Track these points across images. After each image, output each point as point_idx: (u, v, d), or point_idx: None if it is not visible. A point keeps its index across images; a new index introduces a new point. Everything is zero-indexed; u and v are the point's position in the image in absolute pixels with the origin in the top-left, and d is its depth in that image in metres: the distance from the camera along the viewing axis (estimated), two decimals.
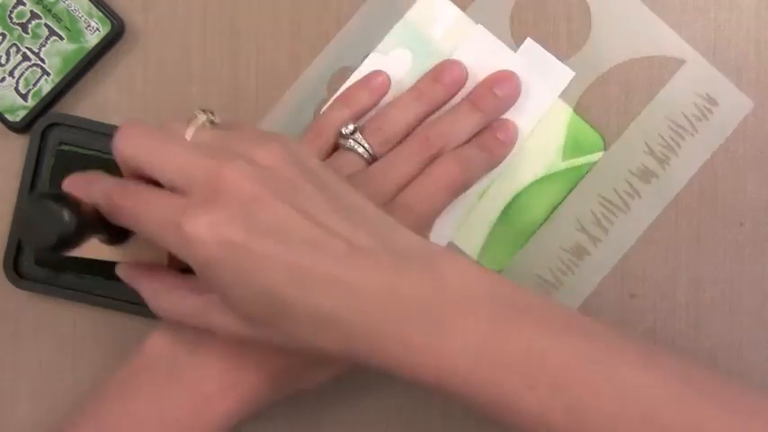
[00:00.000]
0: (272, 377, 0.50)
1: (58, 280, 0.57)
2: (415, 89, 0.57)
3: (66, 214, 0.42)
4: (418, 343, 0.42)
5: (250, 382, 0.50)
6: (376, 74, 0.58)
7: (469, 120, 0.56)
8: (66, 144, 0.57)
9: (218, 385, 0.49)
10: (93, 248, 0.47)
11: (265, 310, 0.43)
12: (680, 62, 0.58)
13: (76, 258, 0.55)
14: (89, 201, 0.45)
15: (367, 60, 0.58)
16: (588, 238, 0.58)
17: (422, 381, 0.42)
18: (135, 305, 0.57)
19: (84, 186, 0.46)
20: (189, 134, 0.45)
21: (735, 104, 0.57)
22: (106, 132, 0.57)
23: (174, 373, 0.50)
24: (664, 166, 0.58)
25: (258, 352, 0.50)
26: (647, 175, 0.58)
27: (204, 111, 0.46)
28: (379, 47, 0.58)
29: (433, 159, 0.55)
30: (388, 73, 0.58)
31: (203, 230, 0.41)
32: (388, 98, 0.58)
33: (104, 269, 0.56)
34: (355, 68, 0.58)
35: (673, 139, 0.58)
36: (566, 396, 0.41)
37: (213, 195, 0.42)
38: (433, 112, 0.57)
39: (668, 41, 0.58)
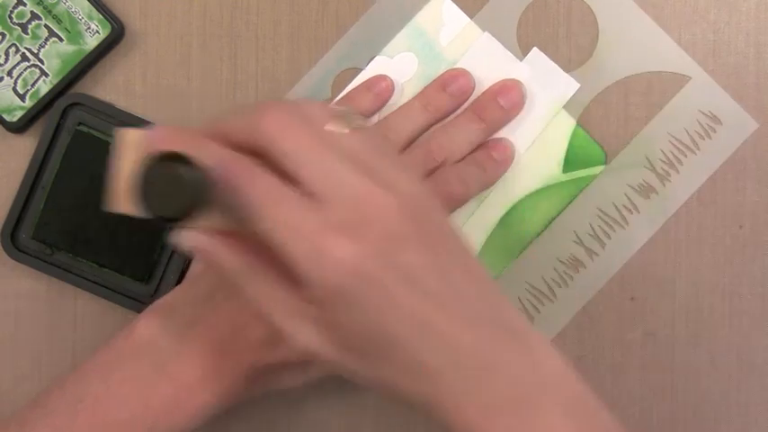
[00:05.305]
0: (250, 374, 0.51)
1: (53, 258, 0.58)
2: (422, 97, 0.57)
3: (199, 177, 0.39)
4: (502, 425, 0.41)
5: (229, 378, 0.51)
6: (380, 78, 0.58)
7: (472, 132, 0.57)
8: (85, 125, 0.57)
9: (199, 377, 0.50)
10: None
11: (370, 348, 0.42)
12: (685, 79, 0.58)
13: (74, 238, 0.56)
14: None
15: (373, 63, 0.58)
16: (585, 251, 0.58)
17: None
18: (123, 296, 0.57)
19: (194, 147, 0.42)
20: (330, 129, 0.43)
21: (738, 124, 0.57)
22: (128, 122, 0.57)
23: (159, 361, 0.50)
24: (664, 183, 0.58)
25: (238, 349, 0.51)
26: (646, 190, 0.58)
27: (353, 113, 0.44)
28: (386, 49, 0.58)
29: (433, 171, 0.55)
30: (392, 77, 0.58)
31: (345, 256, 0.40)
32: (391, 100, 0.58)
33: (99, 254, 0.57)
34: (361, 69, 0.59)
35: (675, 156, 0.58)
36: None
37: (359, 220, 0.40)
38: (438, 121, 0.57)
39: (674, 58, 0.58)
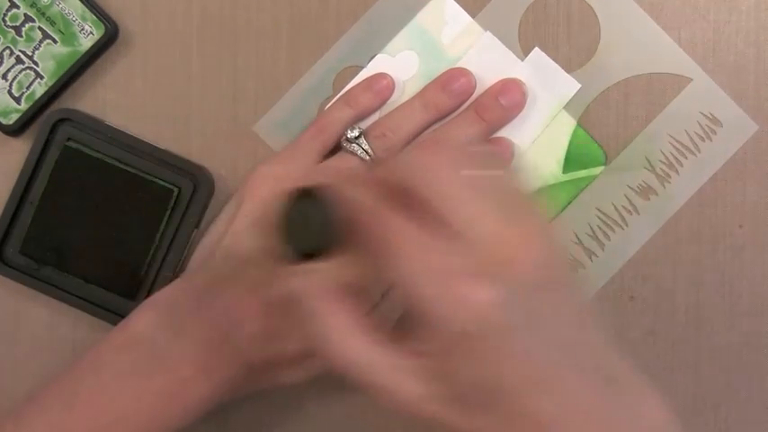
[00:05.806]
0: (247, 369, 0.51)
1: (39, 273, 0.57)
2: (423, 96, 0.57)
3: (334, 215, 0.39)
4: None
5: (225, 372, 0.51)
6: (381, 76, 0.58)
7: (473, 131, 0.57)
8: (74, 141, 0.57)
9: (195, 371, 0.50)
10: None
11: (480, 398, 0.39)
12: (686, 80, 0.58)
13: (61, 254, 0.56)
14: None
15: (374, 61, 0.58)
16: (584, 251, 0.58)
17: None
18: (109, 312, 0.57)
19: (338, 189, 0.42)
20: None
21: (739, 126, 0.57)
22: (117, 139, 0.57)
23: (154, 354, 0.51)
24: (664, 184, 0.58)
25: (235, 345, 0.51)
26: (646, 191, 0.58)
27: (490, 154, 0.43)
28: (387, 48, 0.58)
29: None
30: (393, 75, 0.58)
31: (481, 301, 0.38)
32: (392, 98, 0.58)
33: (86, 270, 0.57)
34: (362, 68, 0.59)
35: (675, 157, 0.58)
36: None
37: (497, 266, 0.39)
38: (438, 120, 0.57)
39: (675, 59, 0.58)
